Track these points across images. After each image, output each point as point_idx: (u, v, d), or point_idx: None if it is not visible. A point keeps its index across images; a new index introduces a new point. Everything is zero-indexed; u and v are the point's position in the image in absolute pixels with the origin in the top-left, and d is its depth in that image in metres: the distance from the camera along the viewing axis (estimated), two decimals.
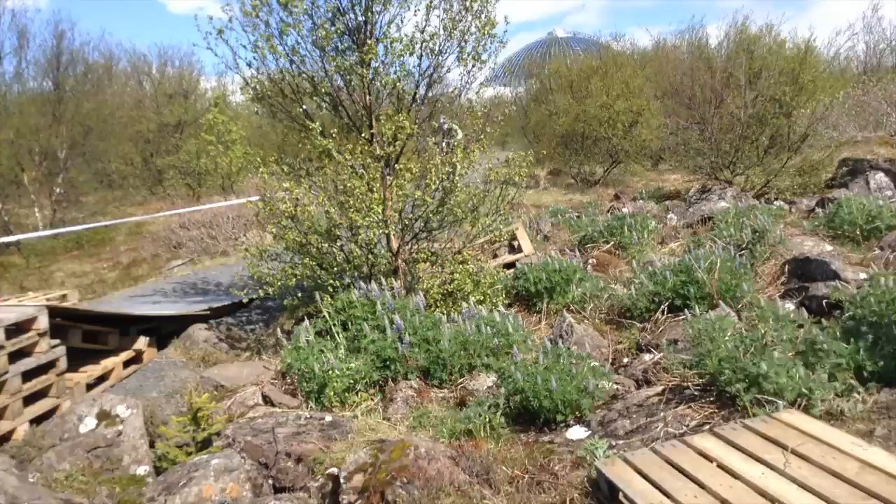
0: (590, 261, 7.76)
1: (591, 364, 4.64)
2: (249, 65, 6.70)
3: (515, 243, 8.44)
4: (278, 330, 6.18)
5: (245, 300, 6.99)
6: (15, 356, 5.19)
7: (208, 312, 7.44)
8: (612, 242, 8.41)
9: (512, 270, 7.49)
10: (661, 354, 4.98)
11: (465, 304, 5.88)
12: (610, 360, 5.43)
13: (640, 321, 5.97)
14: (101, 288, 11.15)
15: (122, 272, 12.71)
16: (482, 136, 6.52)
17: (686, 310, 5.29)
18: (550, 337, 5.55)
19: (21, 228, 16.98)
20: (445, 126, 9.72)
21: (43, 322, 5.39)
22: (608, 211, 11.13)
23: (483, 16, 6.47)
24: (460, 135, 9.15)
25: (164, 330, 7.07)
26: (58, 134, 18.22)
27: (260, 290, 6.69)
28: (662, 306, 5.92)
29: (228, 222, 14.37)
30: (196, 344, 6.80)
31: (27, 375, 5.30)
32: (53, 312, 5.57)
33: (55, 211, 17.90)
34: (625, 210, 10.43)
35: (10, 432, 5.11)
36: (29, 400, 5.34)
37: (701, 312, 5.08)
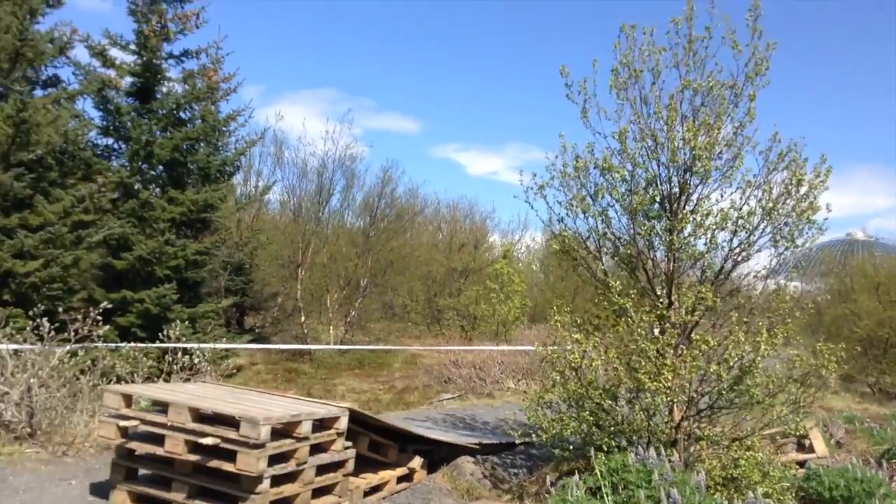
0: (895, 477, 6.87)
1: None
2: (561, 220, 7.10)
3: (806, 442, 7.74)
4: (546, 479, 6.14)
5: (517, 441, 7.16)
6: (314, 449, 5.71)
7: (478, 447, 7.65)
8: None
9: (801, 470, 6.87)
10: None
11: (750, 494, 5.43)
12: None
13: None
14: (375, 406, 11.96)
15: (396, 396, 13.57)
16: (789, 321, 6.21)
17: None
18: None
19: (316, 342, 19.01)
20: None
21: (343, 423, 5.91)
22: None
23: (806, 201, 6.32)
24: None
25: (435, 455, 7.38)
26: (363, 265, 20.46)
27: (533, 435, 6.80)
28: None
29: (497, 367, 14.85)
30: (462, 475, 6.99)
31: (320, 470, 5.79)
32: (352, 416, 6.07)
33: (346, 331, 19.83)
34: None
35: None
36: (316, 493, 5.81)
37: None
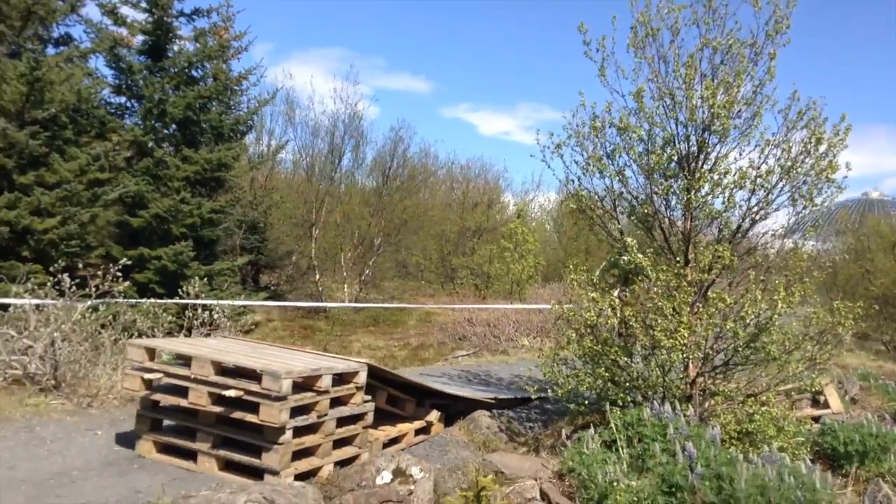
0: None
1: None
2: (578, 179, 7.08)
3: (821, 398, 7.84)
4: (563, 431, 6.24)
5: (533, 397, 7.28)
6: (334, 402, 5.82)
7: (493, 402, 7.77)
8: None
9: (816, 425, 6.98)
10: None
11: (765, 448, 5.52)
12: None
13: None
14: (391, 362, 12.10)
15: (411, 352, 13.73)
16: (806, 279, 6.22)
17: None
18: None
19: (331, 300, 19.18)
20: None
21: (362, 377, 6.00)
22: None
23: (825, 160, 6.28)
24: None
25: (451, 409, 7.50)
26: (377, 224, 20.54)
27: (548, 390, 6.90)
28: None
29: (511, 325, 14.97)
30: (479, 428, 7.10)
31: (340, 422, 5.91)
32: (371, 371, 6.17)
33: (360, 289, 19.97)
34: None
35: (318, 469, 5.68)
36: (336, 444, 5.94)
37: None
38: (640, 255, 6.67)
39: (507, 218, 26.13)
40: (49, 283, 8.18)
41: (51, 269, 8.29)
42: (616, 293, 8.91)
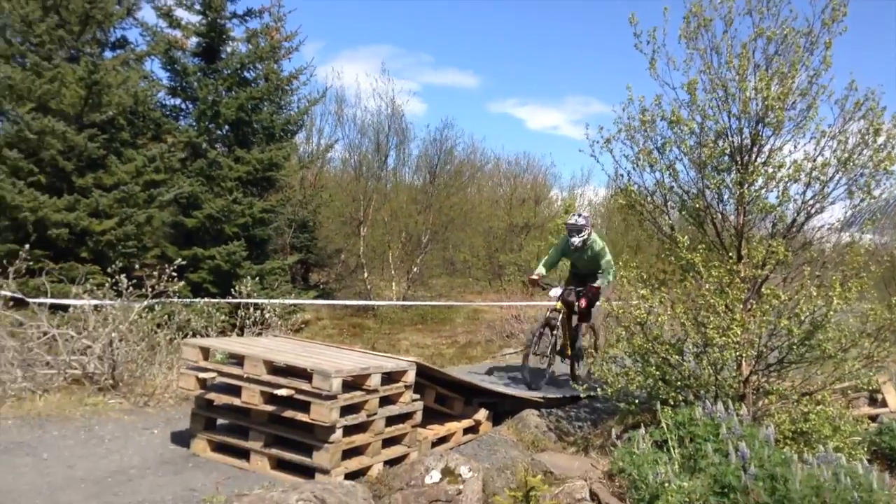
0: None
1: None
2: (627, 174, 6.99)
3: (879, 396, 7.63)
4: (613, 431, 6.18)
5: (582, 395, 7.23)
6: (383, 401, 5.86)
7: (542, 401, 7.74)
8: None
9: (873, 425, 6.80)
10: None
11: (821, 448, 5.38)
12: None
13: None
14: (439, 360, 12.13)
15: (458, 350, 13.74)
16: (863, 275, 6.03)
17: None
18: None
19: (379, 298, 19.32)
20: (571, 220, 9.01)
21: (411, 376, 6.04)
22: None
23: (884, 151, 6.08)
24: (585, 234, 8.67)
25: (499, 408, 7.49)
26: (424, 221, 20.62)
27: (598, 389, 6.84)
28: None
29: None
30: (527, 427, 7.07)
31: (389, 421, 5.95)
32: (419, 370, 6.19)
33: (408, 287, 20.08)
34: None
35: (367, 468, 5.73)
36: (386, 443, 5.98)
37: None
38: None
39: (554, 213, 25.95)
40: (107, 284, 8.39)
41: (108, 269, 8.50)
42: (559, 291, 8.76)
